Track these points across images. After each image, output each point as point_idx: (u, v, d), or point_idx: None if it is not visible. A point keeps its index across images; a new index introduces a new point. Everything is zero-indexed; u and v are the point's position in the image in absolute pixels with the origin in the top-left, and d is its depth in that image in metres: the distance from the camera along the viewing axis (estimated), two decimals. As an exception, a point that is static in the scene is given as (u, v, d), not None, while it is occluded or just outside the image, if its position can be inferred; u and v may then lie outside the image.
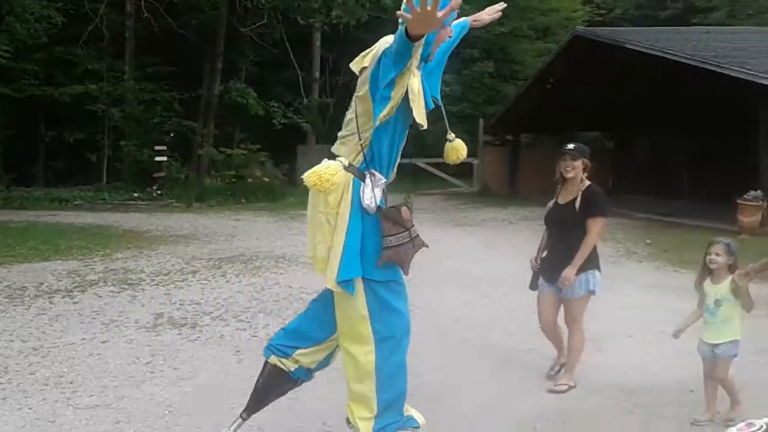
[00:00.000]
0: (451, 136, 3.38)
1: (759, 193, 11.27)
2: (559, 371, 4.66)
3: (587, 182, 4.44)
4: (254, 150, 18.12)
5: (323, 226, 3.02)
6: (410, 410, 3.25)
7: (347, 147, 3.07)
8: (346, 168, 3.00)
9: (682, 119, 16.47)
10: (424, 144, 22.04)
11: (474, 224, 13.41)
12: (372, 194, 3.00)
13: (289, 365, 3.33)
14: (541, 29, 26.24)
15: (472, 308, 6.59)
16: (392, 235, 3.02)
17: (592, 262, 4.41)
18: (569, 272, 4.31)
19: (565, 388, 4.42)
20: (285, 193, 17.79)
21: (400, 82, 2.82)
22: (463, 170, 21.52)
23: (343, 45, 20.84)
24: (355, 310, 3.04)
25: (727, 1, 27.07)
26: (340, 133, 3.14)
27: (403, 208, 3.08)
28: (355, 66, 3.10)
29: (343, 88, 21.30)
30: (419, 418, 3.25)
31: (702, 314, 3.94)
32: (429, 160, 21.90)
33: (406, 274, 3.13)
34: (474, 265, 8.91)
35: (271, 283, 7.62)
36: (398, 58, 2.74)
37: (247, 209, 15.22)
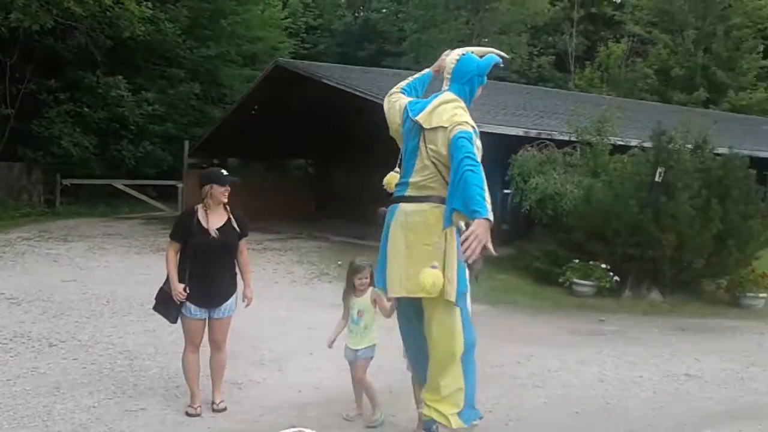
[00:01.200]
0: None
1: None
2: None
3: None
4: None
5: (433, 255, 3.53)
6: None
7: (433, 189, 3.66)
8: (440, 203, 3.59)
9: (370, 151, 18.03)
10: (121, 164, 20.79)
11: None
12: None
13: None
14: (249, 56, 26.68)
15: (154, 337, 6.33)
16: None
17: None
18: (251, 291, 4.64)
19: (224, 405, 4.52)
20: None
21: None
22: (168, 193, 20.73)
23: (26, 51, 18.71)
24: (454, 323, 3.62)
25: (414, 48, 30.53)
26: (411, 180, 3.73)
27: None
28: (424, 121, 3.68)
29: (27, 97, 19.10)
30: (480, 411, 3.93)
31: (346, 324, 4.50)
32: (128, 182, 20.69)
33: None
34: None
35: None
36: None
37: None
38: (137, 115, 20.29)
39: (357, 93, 13.56)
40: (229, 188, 4.50)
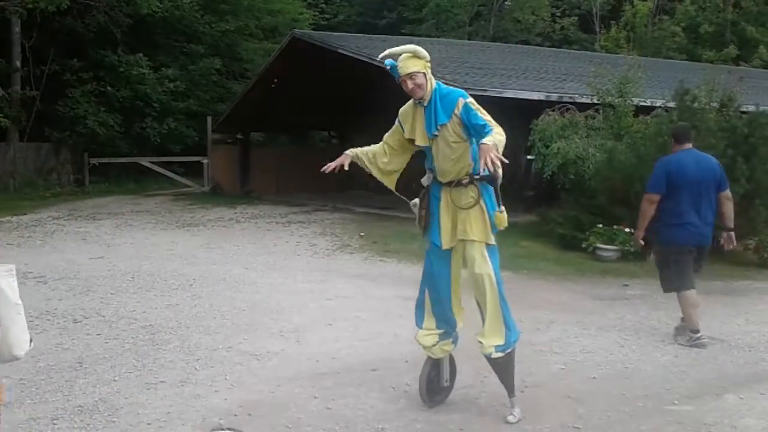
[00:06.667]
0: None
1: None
2: None
3: None
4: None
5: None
6: None
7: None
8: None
9: (391, 119, 17.89)
10: (147, 142, 20.98)
11: (199, 224, 13.06)
12: None
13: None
14: (269, 29, 26.55)
15: (177, 311, 6.43)
16: None
17: None
18: None
19: None
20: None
21: None
22: (194, 169, 20.91)
23: (47, 32, 18.87)
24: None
25: (433, 15, 30.10)
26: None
27: None
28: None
29: (51, 78, 19.31)
30: None
31: None
32: (154, 159, 20.90)
33: None
34: (190, 267, 8.69)
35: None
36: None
37: (-74, 217, 13.03)
38: (160, 92, 20.43)
39: (374, 62, 13.40)
40: None
